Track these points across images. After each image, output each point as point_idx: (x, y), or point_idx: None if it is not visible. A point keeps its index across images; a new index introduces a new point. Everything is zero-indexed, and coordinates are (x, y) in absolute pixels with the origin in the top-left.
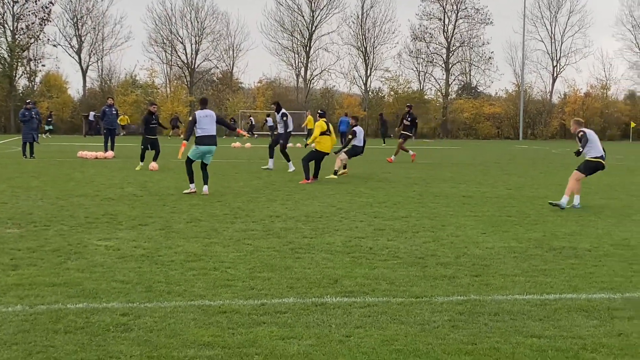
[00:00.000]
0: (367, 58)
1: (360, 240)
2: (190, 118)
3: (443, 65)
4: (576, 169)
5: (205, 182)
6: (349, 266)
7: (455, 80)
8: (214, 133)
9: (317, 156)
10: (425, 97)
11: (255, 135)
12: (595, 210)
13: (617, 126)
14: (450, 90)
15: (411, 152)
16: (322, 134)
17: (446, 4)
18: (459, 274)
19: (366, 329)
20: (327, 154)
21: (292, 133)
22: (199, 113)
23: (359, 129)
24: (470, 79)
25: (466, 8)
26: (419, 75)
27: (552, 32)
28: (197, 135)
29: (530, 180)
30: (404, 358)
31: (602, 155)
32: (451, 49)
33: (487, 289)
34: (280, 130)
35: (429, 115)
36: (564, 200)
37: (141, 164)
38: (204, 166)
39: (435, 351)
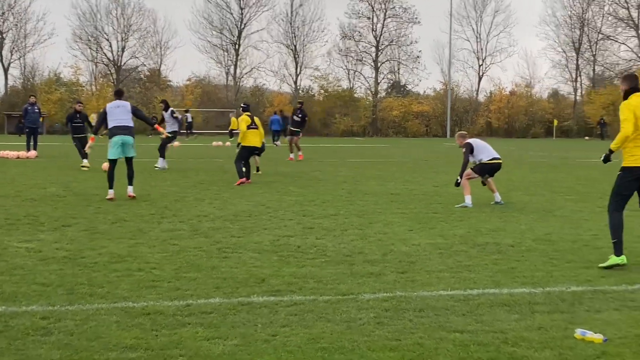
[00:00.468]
0: (297, 56)
1: (289, 238)
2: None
3: (372, 64)
4: (471, 168)
5: (130, 182)
6: (276, 265)
7: (384, 79)
8: (129, 124)
9: (246, 153)
10: (355, 95)
11: (195, 135)
12: (519, 207)
13: (541, 124)
14: (379, 88)
15: (300, 153)
16: (248, 127)
17: (374, 3)
18: (386, 271)
19: (292, 327)
20: (257, 148)
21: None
22: (110, 104)
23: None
24: (399, 78)
25: (394, 7)
26: (348, 74)
27: (477, 32)
28: (108, 127)
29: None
30: (329, 356)
31: (496, 157)
32: (380, 48)
33: (412, 286)
34: (172, 128)
35: (358, 113)
36: (467, 201)
37: (85, 161)
38: (128, 163)
39: (360, 348)
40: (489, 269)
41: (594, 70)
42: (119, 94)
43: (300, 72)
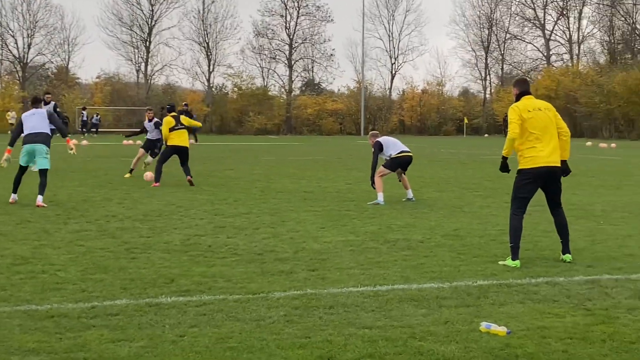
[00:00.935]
0: (209, 54)
1: (200, 238)
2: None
3: (286, 62)
4: (382, 165)
5: (40, 192)
6: (186, 265)
7: (298, 77)
8: (42, 130)
9: (171, 152)
10: (269, 93)
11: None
12: (429, 203)
13: (452, 122)
14: (293, 86)
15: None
16: (171, 129)
17: (288, 1)
18: (297, 269)
19: (201, 327)
20: (184, 147)
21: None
22: (25, 113)
23: None
24: (313, 76)
25: (307, 5)
26: (262, 72)
27: (390, 30)
28: (23, 135)
29: (369, 175)
30: (238, 355)
31: (404, 150)
32: (294, 46)
33: (323, 283)
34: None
35: (272, 111)
36: (379, 198)
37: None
38: (41, 172)
39: (270, 346)
40: (399, 265)
41: (502, 69)
42: (34, 102)
43: (213, 70)
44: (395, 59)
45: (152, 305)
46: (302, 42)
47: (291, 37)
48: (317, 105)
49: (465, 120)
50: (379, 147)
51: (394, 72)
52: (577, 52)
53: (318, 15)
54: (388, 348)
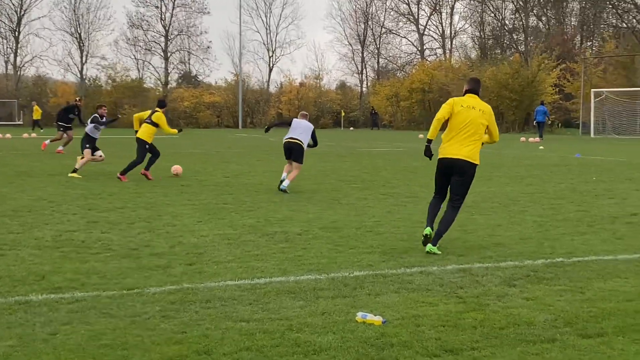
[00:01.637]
0: (82, 45)
1: (72, 233)
2: None
3: (162, 54)
4: None
5: None
6: (58, 261)
7: (174, 69)
8: None
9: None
10: (145, 85)
11: None
12: (307, 196)
13: (330, 114)
14: (170, 79)
15: (48, 141)
16: (142, 122)
17: None
18: (173, 264)
19: (73, 325)
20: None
21: (1, 123)
22: None
23: None
24: (189, 68)
25: None
26: (137, 64)
27: (267, 23)
28: None
29: (247, 168)
30: (112, 352)
31: (290, 137)
32: (169, 38)
33: (200, 277)
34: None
35: (148, 104)
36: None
37: None
38: None
39: (145, 342)
40: (277, 258)
41: (378, 62)
42: None
43: (86, 62)
44: (273, 52)
45: (21, 304)
46: (178, 34)
47: (167, 28)
48: (194, 98)
49: (342, 113)
50: (287, 123)
51: (271, 65)
52: (449, 46)
53: (194, 7)
54: (265, 341)
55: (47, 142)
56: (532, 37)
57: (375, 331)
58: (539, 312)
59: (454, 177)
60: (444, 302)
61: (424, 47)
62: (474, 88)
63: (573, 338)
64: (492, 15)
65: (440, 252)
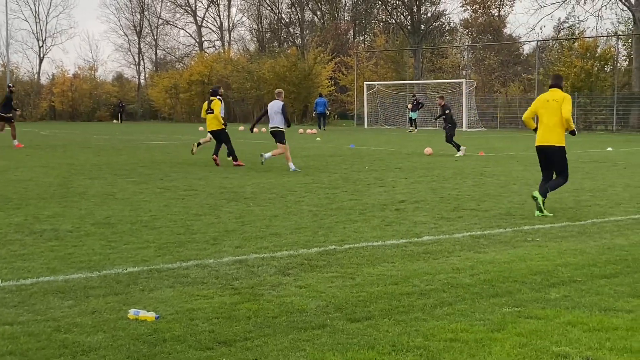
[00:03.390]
0: None
1: None
2: None
3: None
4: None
5: None
6: None
7: None
8: None
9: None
10: None
11: None
12: (80, 191)
13: (107, 107)
14: None
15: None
16: (207, 113)
17: None
18: None
19: None
20: (211, 131)
21: None
22: None
23: None
24: None
25: None
26: None
27: (36, 12)
28: None
29: (15, 163)
30: None
31: (270, 125)
32: None
33: None
34: None
35: None
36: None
37: None
38: None
39: None
40: (45, 257)
41: (156, 54)
42: None
43: None
44: (44, 42)
45: None
46: None
47: None
48: None
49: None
50: (265, 113)
51: (42, 55)
52: (228, 39)
53: None
54: (30, 344)
55: None
56: (308, 31)
57: (148, 327)
58: (311, 300)
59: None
60: (219, 295)
61: (203, 39)
62: (557, 83)
63: (342, 323)
64: (269, 9)
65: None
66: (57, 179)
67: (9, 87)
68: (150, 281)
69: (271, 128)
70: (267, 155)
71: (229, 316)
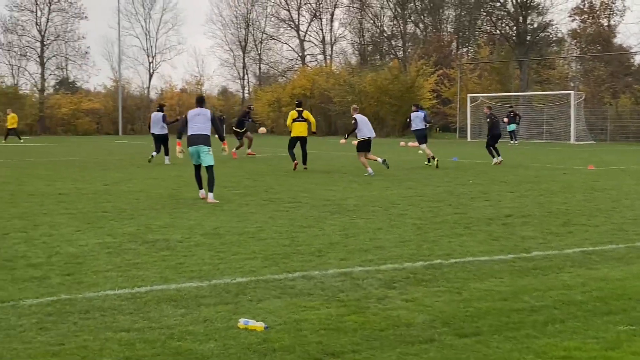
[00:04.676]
0: None
1: None
2: None
3: (38, 60)
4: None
5: (210, 189)
6: None
7: (51, 75)
8: (203, 132)
9: (293, 141)
10: (21, 92)
11: None
12: (189, 203)
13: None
14: (46, 85)
15: None
16: (294, 120)
17: None
18: (50, 274)
19: None
20: (301, 137)
21: None
22: (191, 111)
23: None
24: (67, 74)
25: (59, 1)
26: (12, 70)
27: (147, 29)
28: (187, 134)
29: (127, 175)
30: None
31: (370, 136)
32: (45, 43)
33: (78, 287)
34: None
35: (24, 111)
36: (370, 170)
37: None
38: (208, 169)
39: (21, 356)
40: (158, 266)
41: (259, 68)
42: (199, 102)
43: None
44: (153, 58)
45: None
46: (55, 39)
47: (43, 33)
48: (72, 105)
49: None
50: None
51: (152, 71)
52: (330, 52)
53: (71, 11)
54: (146, 350)
55: None
56: (410, 44)
57: (258, 337)
58: (417, 314)
59: None
60: (326, 306)
61: (305, 53)
62: None
63: (450, 338)
64: (371, 22)
65: None
66: (166, 191)
67: (249, 107)
68: (258, 291)
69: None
70: (380, 159)
71: (336, 328)
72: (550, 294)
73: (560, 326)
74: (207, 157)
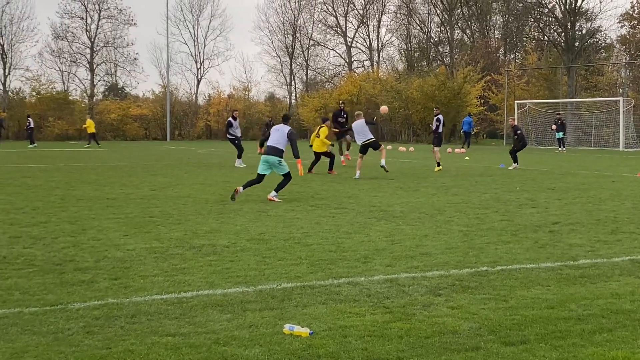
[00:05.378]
0: (4, 56)
1: None
2: None
3: (87, 66)
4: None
5: (277, 188)
6: None
7: (100, 81)
8: (277, 146)
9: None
10: (70, 98)
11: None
12: (235, 208)
13: (259, 126)
14: (96, 91)
15: None
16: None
17: (88, 3)
18: (98, 278)
19: None
20: (315, 152)
21: None
22: (276, 126)
23: None
24: (116, 80)
25: (109, 8)
26: (62, 76)
27: (195, 35)
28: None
29: (175, 180)
30: None
31: (370, 138)
32: (95, 49)
33: (125, 292)
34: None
35: (74, 117)
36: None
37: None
38: (285, 175)
39: (68, 359)
40: (204, 271)
41: (306, 74)
42: (284, 119)
43: (9, 73)
44: (201, 64)
45: None
46: (104, 46)
47: (92, 40)
48: (121, 110)
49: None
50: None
51: (199, 76)
52: (377, 59)
53: (120, 18)
54: (192, 355)
55: None
56: (457, 50)
57: (303, 343)
58: (463, 321)
59: None
60: (371, 313)
61: (352, 59)
62: None
63: (496, 346)
64: (418, 28)
65: None
66: (213, 196)
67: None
68: (303, 297)
69: (366, 141)
70: (383, 162)
71: (381, 334)
72: (598, 302)
73: (608, 335)
74: (279, 167)
